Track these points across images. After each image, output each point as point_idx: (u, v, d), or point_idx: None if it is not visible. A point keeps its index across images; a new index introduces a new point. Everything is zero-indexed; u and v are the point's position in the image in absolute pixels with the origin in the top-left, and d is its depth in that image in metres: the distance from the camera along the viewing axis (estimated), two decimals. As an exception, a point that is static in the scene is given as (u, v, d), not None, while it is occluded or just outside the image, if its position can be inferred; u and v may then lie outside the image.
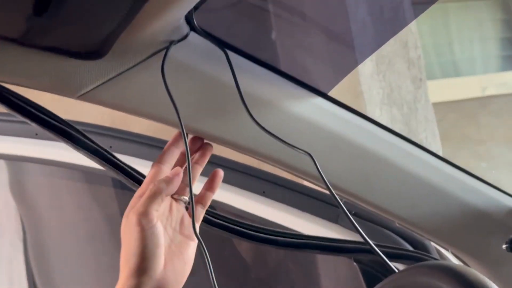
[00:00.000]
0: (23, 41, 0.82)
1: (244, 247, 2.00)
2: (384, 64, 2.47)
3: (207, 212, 0.99)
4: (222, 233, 1.10)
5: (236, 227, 1.11)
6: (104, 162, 1.00)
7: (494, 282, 1.14)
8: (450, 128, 4.19)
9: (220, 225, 1.10)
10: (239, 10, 0.94)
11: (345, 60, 1.01)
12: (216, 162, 1.30)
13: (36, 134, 1.34)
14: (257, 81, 0.93)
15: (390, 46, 2.45)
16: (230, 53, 0.91)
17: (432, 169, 1.08)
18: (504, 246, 1.05)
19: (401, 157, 1.05)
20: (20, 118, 0.96)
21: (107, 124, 1.58)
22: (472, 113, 4.64)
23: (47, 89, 0.88)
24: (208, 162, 0.99)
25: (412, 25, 2.49)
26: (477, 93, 4.84)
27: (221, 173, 0.95)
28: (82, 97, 0.88)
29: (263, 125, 0.91)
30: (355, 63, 1.04)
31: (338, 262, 1.63)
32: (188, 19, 0.89)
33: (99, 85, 0.88)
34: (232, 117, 0.93)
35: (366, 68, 2.39)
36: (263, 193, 1.31)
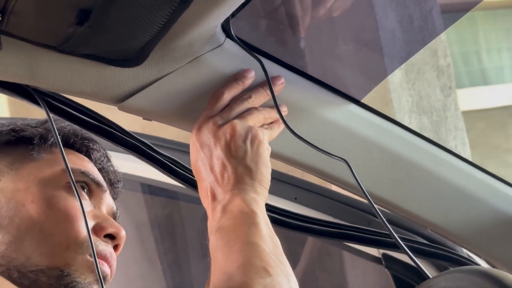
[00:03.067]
0: (63, 48, 0.84)
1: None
2: (413, 72, 2.46)
3: None
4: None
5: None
6: (146, 159, 1.00)
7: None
8: (478, 137, 4.17)
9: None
10: (273, 18, 0.95)
11: (378, 68, 1.01)
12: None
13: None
14: (291, 89, 0.94)
15: (420, 54, 2.45)
16: (264, 61, 0.92)
17: (465, 175, 1.08)
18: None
19: (434, 163, 1.06)
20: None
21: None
22: (500, 122, 4.61)
23: (87, 96, 0.90)
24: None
25: (442, 34, 2.49)
26: (506, 102, 4.81)
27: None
28: (122, 105, 0.89)
29: (297, 132, 0.92)
30: (387, 72, 1.04)
31: (368, 269, 1.63)
32: (224, 27, 0.91)
33: (138, 92, 0.89)
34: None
35: (396, 76, 2.39)
36: (295, 199, 1.32)
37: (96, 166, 1.00)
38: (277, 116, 0.91)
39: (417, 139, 1.05)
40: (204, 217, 0.88)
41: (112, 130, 0.98)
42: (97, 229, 0.92)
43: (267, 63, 0.92)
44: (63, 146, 0.91)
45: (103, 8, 0.76)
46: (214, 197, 0.86)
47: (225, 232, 0.82)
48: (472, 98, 4.46)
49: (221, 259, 0.80)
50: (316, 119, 0.96)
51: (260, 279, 0.74)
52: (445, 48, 2.52)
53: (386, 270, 1.33)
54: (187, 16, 0.79)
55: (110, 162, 1.03)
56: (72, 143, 1.00)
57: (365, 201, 0.93)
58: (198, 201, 0.91)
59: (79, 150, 1.00)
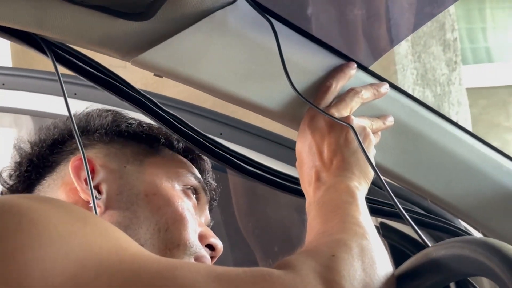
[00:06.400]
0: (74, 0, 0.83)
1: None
2: (420, 45, 2.45)
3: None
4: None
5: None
6: (151, 115, 1.01)
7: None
8: (480, 115, 4.16)
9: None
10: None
11: (386, 37, 1.01)
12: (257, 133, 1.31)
13: (75, 94, 1.35)
14: (301, 52, 0.94)
15: (427, 27, 2.43)
16: (275, 22, 0.91)
17: (468, 147, 1.08)
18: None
19: (439, 134, 1.05)
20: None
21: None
22: (502, 100, 4.60)
23: (96, 47, 0.89)
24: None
25: (450, 7, 2.47)
26: (509, 81, 4.79)
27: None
28: (135, 60, 0.88)
29: (304, 95, 0.92)
30: (393, 42, 1.04)
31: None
32: (235, -15, 0.90)
33: (149, 49, 0.89)
34: (273, 86, 0.94)
35: (402, 48, 2.37)
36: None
37: (202, 177, 1.04)
38: (379, 128, 0.98)
39: (423, 109, 1.05)
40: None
41: (118, 84, 0.98)
42: (201, 236, 0.96)
43: (278, 25, 0.92)
44: (178, 152, 1.02)
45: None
46: (318, 178, 0.91)
47: (327, 204, 0.87)
48: (475, 75, 4.45)
49: (320, 225, 0.83)
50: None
51: (357, 239, 0.77)
52: (453, 22, 2.51)
53: (383, 238, 1.33)
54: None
55: (213, 178, 1.08)
56: (186, 150, 1.05)
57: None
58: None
59: (192, 160, 1.06)
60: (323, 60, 0.96)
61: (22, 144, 1.04)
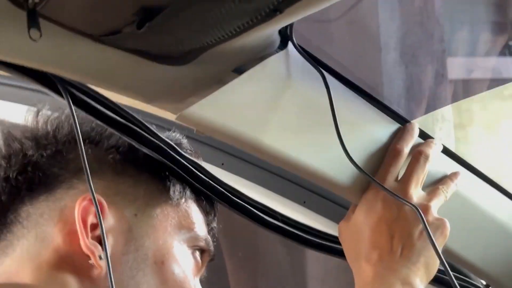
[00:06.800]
0: (104, 40, 0.71)
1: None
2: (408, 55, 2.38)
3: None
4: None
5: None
6: (170, 162, 0.88)
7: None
8: (434, 112, 4.14)
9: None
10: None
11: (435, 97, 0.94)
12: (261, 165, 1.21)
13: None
14: (352, 109, 0.84)
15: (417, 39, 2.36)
16: (326, 75, 0.81)
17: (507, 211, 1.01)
18: None
19: (485, 201, 0.98)
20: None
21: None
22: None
23: (121, 92, 0.78)
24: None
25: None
26: (459, 76, 4.81)
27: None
28: (181, 115, 0.77)
29: (356, 156, 0.82)
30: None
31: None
32: (286, 33, 0.79)
33: (181, 95, 0.77)
34: (323, 147, 0.83)
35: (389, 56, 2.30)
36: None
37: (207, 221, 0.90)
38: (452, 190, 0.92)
39: (470, 173, 0.97)
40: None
41: (137, 128, 0.85)
42: None
43: (329, 78, 0.82)
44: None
45: (174, 10, 0.63)
46: (381, 260, 0.85)
47: None
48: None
49: None
50: (377, 147, 0.86)
51: None
52: (442, 33, 2.45)
53: None
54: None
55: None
56: (205, 197, 0.90)
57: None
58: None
59: (205, 209, 0.90)
60: (377, 119, 0.86)
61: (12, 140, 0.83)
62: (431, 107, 0.98)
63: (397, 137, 0.87)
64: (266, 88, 0.78)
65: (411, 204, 0.83)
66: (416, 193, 0.87)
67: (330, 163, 0.85)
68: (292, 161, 0.83)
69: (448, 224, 0.86)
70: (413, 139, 0.89)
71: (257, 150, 0.81)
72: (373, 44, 0.92)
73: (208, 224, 0.90)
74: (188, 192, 0.88)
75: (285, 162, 0.83)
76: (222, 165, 1.20)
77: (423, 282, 0.84)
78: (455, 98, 0.90)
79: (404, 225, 0.85)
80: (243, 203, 0.96)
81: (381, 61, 1.07)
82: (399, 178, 0.87)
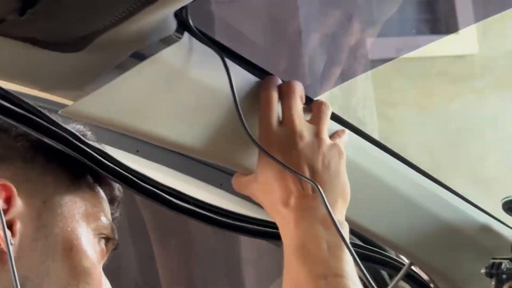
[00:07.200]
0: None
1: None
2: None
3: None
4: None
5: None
6: (74, 151, 0.86)
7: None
8: (366, 91, 4.19)
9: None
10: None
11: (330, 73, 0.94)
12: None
13: None
14: (253, 90, 0.84)
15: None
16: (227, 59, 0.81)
17: (410, 182, 1.03)
18: (483, 271, 1.02)
19: (382, 169, 0.99)
20: None
21: None
22: (386, 75, 4.68)
23: (17, 82, 0.76)
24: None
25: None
26: (391, 55, 4.88)
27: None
28: (64, 111, 0.76)
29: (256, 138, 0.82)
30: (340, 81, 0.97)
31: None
32: (182, 18, 0.78)
33: (77, 83, 0.76)
34: (222, 128, 0.83)
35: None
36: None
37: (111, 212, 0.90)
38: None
39: (367, 144, 0.99)
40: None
41: (38, 119, 0.83)
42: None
43: (230, 61, 0.81)
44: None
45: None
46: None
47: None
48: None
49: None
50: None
51: None
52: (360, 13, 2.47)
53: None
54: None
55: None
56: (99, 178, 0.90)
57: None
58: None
59: (110, 198, 0.91)
60: None
61: None
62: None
63: (260, 86, 0.85)
64: (164, 74, 0.78)
65: (308, 179, 0.82)
66: (303, 124, 0.85)
67: (234, 144, 0.85)
68: (194, 146, 0.83)
69: (341, 143, 0.87)
70: (275, 81, 0.86)
71: (158, 139, 0.81)
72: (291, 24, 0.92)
73: (112, 213, 0.90)
74: (95, 182, 0.89)
75: (187, 148, 0.83)
76: (137, 152, 1.19)
77: (342, 211, 0.85)
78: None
79: (305, 163, 0.83)
80: (153, 189, 0.95)
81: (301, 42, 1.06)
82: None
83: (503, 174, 4.72)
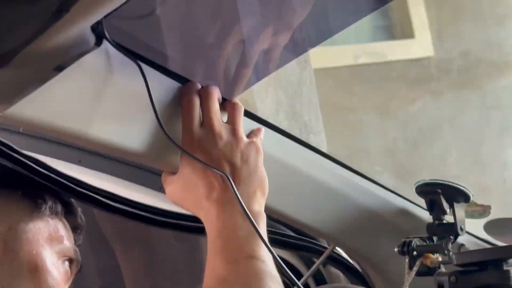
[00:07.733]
0: None
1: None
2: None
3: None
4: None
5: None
6: (7, 160, 0.96)
7: (381, 279, 1.21)
8: (326, 97, 4.28)
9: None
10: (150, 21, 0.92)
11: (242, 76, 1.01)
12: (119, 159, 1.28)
13: None
14: (170, 96, 0.92)
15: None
16: (144, 66, 0.89)
17: (328, 172, 1.11)
18: (396, 249, 1.09)
19: (300, 161, 1.08)
20: None
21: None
22: (345, 81, 4.78)
23: None
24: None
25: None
26: (350, 62, 4.98)
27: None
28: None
29: (177, 138, 0.90)
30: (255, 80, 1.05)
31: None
32: (99, 29, 0.86)
33: (6, 99, 0.83)
34: (144, 130, 0.91)
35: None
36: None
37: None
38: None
39: (283, 138, 1.07)
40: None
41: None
42: None
43: (145, 67, 0.90)
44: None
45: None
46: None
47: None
48: (321, 57, 4.55)
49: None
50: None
51: None
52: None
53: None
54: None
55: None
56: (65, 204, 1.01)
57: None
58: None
59: (72, 224, 1.01)
60: None
61: None
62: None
63: (181, 91, 0.92)
64: (86, 82, 0.85)
65: (220, 171, 0.88)
66: (221, 125, 0.92)
67: (159, 146, 0.92)
68: (120, 148, 0.90)
69: (258, 140, 0.94)
70: (195, 87, 0.93)
71: (84, 141, 0.88)
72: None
73: (75, 240, 1.00)
74: (58, 208, 0.99)
75: (114, 150, 0.91)
76: (79, 162, 1.27)
77: (261, 202, 0.91)
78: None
79: (225, 161, 0.90)
80: (89, 193, 1.03)
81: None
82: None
83: (464, 172, 4.84)
